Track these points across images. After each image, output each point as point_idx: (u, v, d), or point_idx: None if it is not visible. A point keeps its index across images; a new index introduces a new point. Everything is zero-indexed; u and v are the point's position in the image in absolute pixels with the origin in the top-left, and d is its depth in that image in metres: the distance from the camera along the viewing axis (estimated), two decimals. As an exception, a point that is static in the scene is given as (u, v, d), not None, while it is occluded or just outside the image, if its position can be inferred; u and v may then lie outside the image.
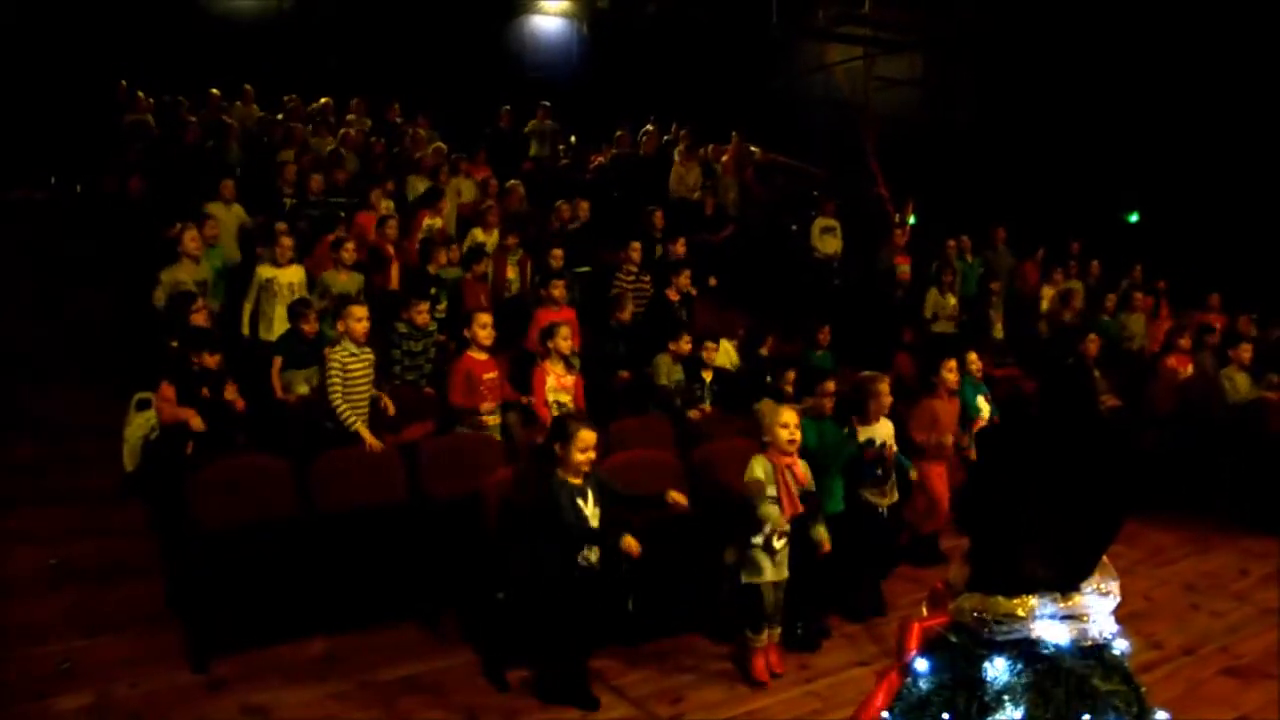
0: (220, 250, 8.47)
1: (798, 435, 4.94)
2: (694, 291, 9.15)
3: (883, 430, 5.86)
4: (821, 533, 5.07)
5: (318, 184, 9.90)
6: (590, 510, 4.59)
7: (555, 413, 6.47)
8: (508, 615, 4.92)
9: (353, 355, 6.03)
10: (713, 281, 9.94)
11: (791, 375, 6.71)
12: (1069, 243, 11.96)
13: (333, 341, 6.34)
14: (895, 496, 5.90)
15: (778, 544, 4.90)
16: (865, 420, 5.81)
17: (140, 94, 11.93)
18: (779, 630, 5.08)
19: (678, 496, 4.72)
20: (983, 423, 6.93)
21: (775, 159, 14.69)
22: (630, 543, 4.49)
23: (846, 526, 5.43)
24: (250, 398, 6.14)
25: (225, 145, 11.18)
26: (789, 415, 4.93)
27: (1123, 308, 10.61)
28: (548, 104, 14.11)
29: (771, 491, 4.82)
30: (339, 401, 5.91)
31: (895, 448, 5.94)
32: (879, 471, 5.79)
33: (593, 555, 4.59)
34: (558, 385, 6.59)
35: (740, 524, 4.91)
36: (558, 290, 7.81)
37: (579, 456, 4.56)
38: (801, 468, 5.00)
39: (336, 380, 5.95)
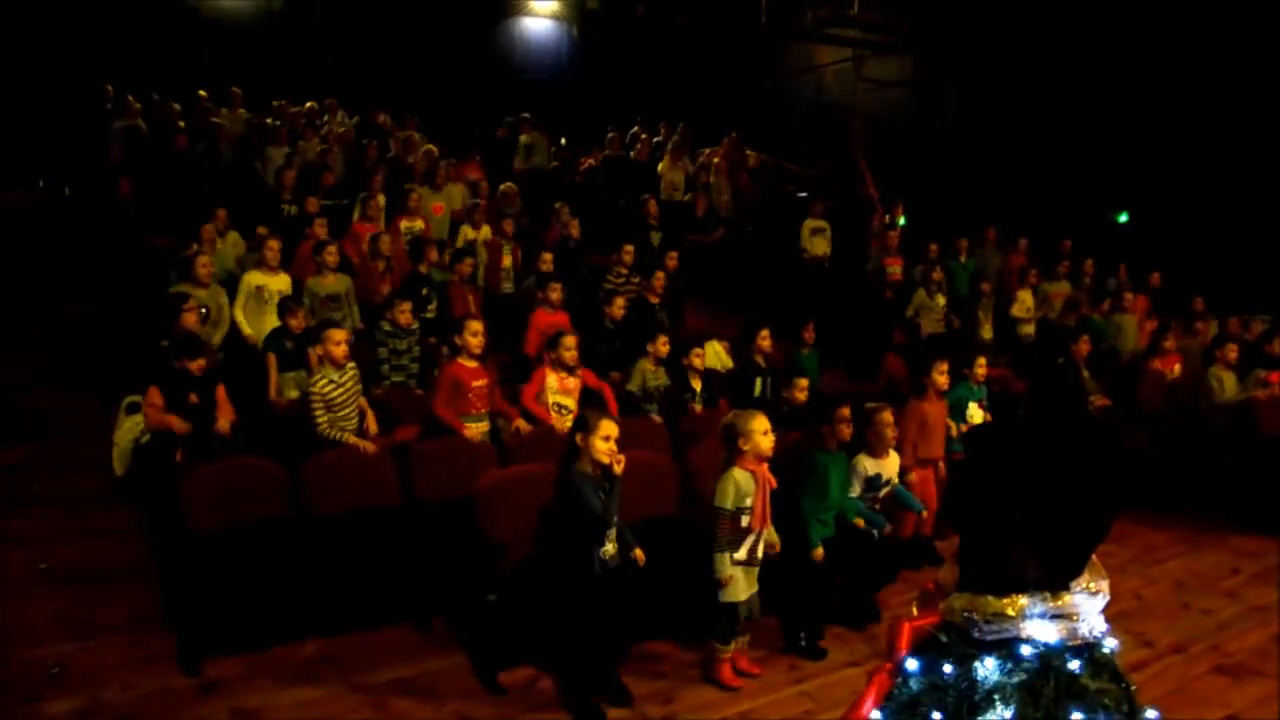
0: (218, 258, 8.42)
1: (772, 440, 4.88)
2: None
3: (889, 465, 5.88)
4: (773, 534, 4.98)
5: (314, 207, 9.66)
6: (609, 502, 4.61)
7: (557, 415, 6.50)
8: (500, 618, 4.93)
9: (333, 383, 5.96)
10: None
11: (804, 383, 6.70)
12: (1059, 243, 12.02)
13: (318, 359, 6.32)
14: (888, 527, 5.91)
15: (760, 553, 4.88)
16: (872, 453, 5.82)
17: (130, 98, 11.91)
18: (748, 637, 5.08)
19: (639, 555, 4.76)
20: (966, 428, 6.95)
21: (765, 160, 14.72)
22: (639, 555, 4.71)
23: (840, 547, 5.45)
24: (241, 401, 6.12)
25: (215, 148, 11.15)
26: (765, 421, 4.85)
27: (1114, 308, 10.66)
28: (528, 115, 14.06)
29: (750, 502, 4.77)
30: (325, 429, 5.86)
31: (896, 482, 5.98)
32: (876, 507, 5.83)
33: (611, 549, 4.59)
34: (560, 388, 6.59)
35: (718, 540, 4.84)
36: (555, 293, 7.84)
37: (600, 445, 4.54)
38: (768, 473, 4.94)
39: (320, 412, 5.88)
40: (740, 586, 4.84)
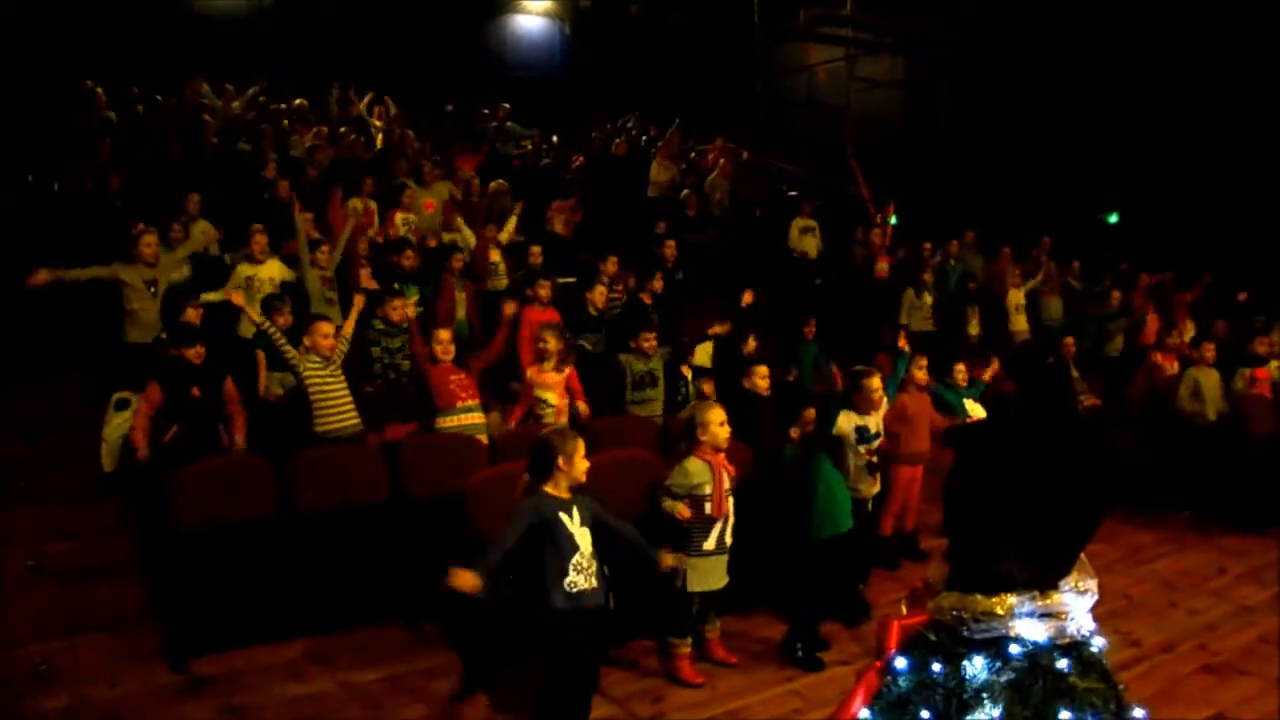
0: (190, 244, 8.26)
1: (728, 430, 4.98)
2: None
3: (875, 420, 5.90)
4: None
5: (285, 190, 9.68)
6: (576, 528, 4.01)
7: (539, 410, 6.52)
8: (490, 616, 4.92)
9: (317, 364, 6.06)
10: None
11: (764, 370, 6.69)
12: (1046, 241, 12.05)
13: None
14: (878, 487, 5.98)
15: (729, 539, 4.96)
16: (857, 411, 5.84)
17: (99, 90, 11.76)
18: (719, 624, 5.18)
19: (669, 560, 4.45)
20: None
21: (756, 159, 14.72)
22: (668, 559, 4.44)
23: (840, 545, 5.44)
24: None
25: (233, 146, 11.10)
26: (722, 413, 4.99)
27: (1103, 308, 10.70)
28: (508, 106, 14.12)
29: (708, 490, 4.86)
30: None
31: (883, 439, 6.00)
32: (873, 460, 5.85)
33: (581, 582, 3.96)
34: (540, 381, 6.62)
35: (684, 531, 4.90)
36: (544, 290, 7.81)
37: (581, 466, 4.08)
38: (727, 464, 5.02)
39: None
40: (710, 576, 4.93)
